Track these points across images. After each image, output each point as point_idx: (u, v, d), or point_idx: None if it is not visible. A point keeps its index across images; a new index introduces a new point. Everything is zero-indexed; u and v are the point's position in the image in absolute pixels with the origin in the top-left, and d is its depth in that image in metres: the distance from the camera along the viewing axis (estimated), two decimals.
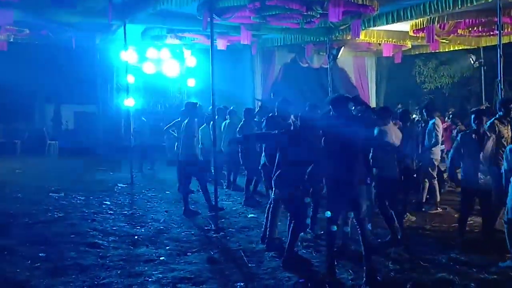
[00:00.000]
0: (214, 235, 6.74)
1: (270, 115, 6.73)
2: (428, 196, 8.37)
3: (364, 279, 4.84)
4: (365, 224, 5.04)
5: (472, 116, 6.00)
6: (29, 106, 19.64)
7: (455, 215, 7.64)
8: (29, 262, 5.42)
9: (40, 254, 5.69)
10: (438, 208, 8.14)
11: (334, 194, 5.06)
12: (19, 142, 17.22)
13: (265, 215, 6.31)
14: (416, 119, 10.82)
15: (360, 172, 5.04)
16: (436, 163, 8.36)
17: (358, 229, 5.05)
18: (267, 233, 6.10)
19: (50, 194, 9.48)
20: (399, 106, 14.10)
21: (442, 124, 9.36)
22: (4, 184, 10.36)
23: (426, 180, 8.25)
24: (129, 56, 12.87)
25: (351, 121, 5.20)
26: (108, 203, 8.92)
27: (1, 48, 13.36)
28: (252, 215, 8.00)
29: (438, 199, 8.26)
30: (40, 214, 7.80)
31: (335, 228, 5.04)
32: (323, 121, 5.43)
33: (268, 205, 6.31)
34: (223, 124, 10.30)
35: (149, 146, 13.20)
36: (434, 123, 8.20)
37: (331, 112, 5.34)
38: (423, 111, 8.83)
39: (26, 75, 17.06)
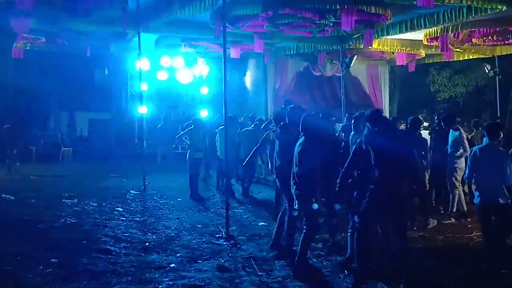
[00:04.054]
0: (225, 243, 6.74)
1: (282, 123, 6.65)
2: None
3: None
4: (407, 237, 5.04)
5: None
6: (45, 113, 19.88)
7: (469, 226, 7.57)
8: (41, 267, 5.45)
9: (52, 260, 5.72)
10: (452, 219, 8.04)
11: (379, 207, 5.01)
12: (34, 148, 17.44)
13: (278, 223, 6.32)
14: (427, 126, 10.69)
15: (407, 186, 5.07)
16: (460, 172, 8.25)
17: (399, 241, 4.99)
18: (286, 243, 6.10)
19: (64, 200, 9.56)
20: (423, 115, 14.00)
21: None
22: (19, 190, 10.47)
23: (455, 190, 8.14)
24: (143, 64, 13.00)
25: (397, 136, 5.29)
26: (120, 209, 8.97)
27: (18, 56, 13.55)
28: (262, 223, 7.98)
29: (455, 209, 8.15)
30: (54, 220, 7.86)
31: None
32: (371, 137, 5.17)
33: (280, 213, 6.30)
34: (239, 131, 10.32)
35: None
36: (461, 133, 8.10)
37: (370, 127, 5.22)
38: (441, 122, 8.69)
39: (42, 83, 17.30)
